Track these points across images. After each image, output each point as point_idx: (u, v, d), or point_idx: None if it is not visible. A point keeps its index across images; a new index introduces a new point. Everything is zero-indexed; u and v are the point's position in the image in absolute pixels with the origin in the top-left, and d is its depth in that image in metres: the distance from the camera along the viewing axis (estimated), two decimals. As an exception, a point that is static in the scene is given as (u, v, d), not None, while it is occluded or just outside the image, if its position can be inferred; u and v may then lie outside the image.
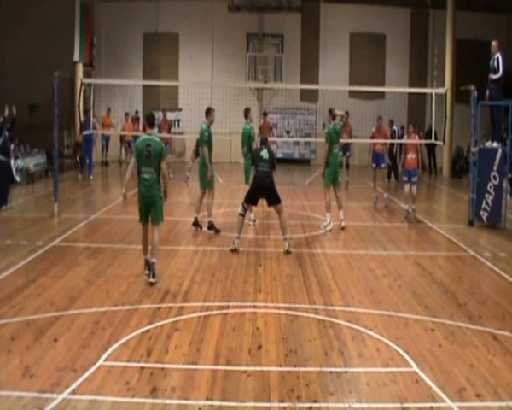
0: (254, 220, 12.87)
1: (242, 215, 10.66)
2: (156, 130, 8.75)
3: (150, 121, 8.86)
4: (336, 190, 12.63)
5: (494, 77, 13.52)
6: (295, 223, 13.08)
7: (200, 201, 12.20)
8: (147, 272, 8.56)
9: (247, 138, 13.10)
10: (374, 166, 16.39)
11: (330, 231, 12.31)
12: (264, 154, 10.73)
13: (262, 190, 10.67)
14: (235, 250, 10.39)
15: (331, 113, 12.72)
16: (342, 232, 12.37)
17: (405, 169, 14.21)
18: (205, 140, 11.96)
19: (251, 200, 10.76)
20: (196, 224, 12.19)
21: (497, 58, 13.44)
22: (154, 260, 8.49)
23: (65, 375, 5.48)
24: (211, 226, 11.97)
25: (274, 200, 10.66)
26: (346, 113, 18.82)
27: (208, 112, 12.24)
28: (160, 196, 8.60)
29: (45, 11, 24.74)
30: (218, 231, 11.90)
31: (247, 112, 13.38)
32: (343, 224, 12.60)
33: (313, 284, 8.62)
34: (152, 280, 8.37)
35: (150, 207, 8.63)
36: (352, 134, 19.49)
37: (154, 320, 6.99)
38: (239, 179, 14.21)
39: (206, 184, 12.01)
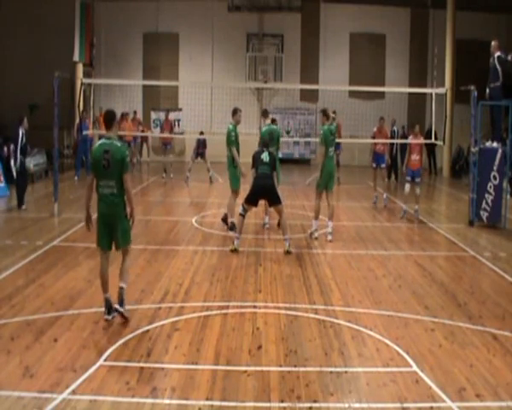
0: (266, 223, 12.56)
1: (242, 216, 10.66)
2: (116, 132, 7.16)
3: (109, 121, 7.02)
4: (329, 198, 11.68)
5: (499, 54, 13.45)
6: (295, 223, 13.07)
7: (233, 203, 11.95)
8: (107, 316, 6.83)
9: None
10: (374, 166, 16.38)
11: (317, 238, 11.49)
12: (265, 157, 10.77)
13: (262, 191, 10.68)
14: (235, 250, 10.39)
15: (325, 113, 11.84)
16: (342, 232, 12.34)
17: (409, 169, 14.14)
18: (232, 140, 11.84)
19: (251, 201, 10.76)
20: (233, 228, 11.66)
21: (498, 57, 13.45)
22: (123, 284, 6.91)
23: (65, 375, 5.48)
24: (232, 227, 11.70)
25: (274, 200, 10.67)
26: (334, 112, 18.88)
27: (234, 112, 12.10)
28: (125, 214, 6.92)
29: (45, 11, 24.77)
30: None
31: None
32: (330, 237, 11.45)
33: (313, 284, 8.62)
34: (120, 309, 6.78)
35: (112, 229, 6.90)
36: (341, 133, 19.54)
37: (154, 320, 6.99)
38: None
39: (236, 184, 11.94)
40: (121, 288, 6.88)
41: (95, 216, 7.00)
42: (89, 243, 10.93)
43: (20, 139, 14.15)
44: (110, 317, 6.83)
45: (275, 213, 11.25)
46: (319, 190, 11.70)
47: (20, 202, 14.27)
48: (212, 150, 20.20)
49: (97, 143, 7.02)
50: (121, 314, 6.81)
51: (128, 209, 6.95)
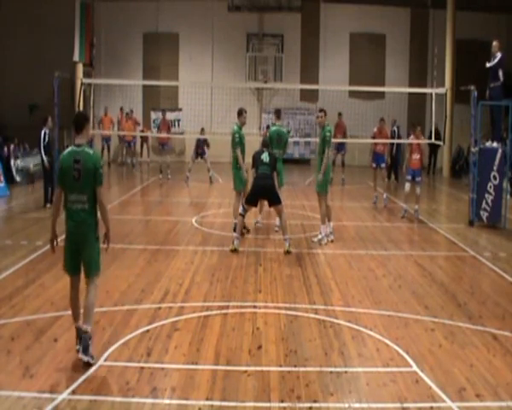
0: (257, 222, 12.55)
1: (242, 216, 10.66)
2: (86, 139, 6.12)
3: (78, 125, 6.03)
4: (328, 199, 11.42)
5: (488, 65, 13.51)
6: (295, 223, 13.08)
7: (237, 204, 11.65)
8: (79, 346, 5.76)
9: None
10: (374, 166, 16.39)
11: (326, 243, 11.18)
12: (265, 157, 10.76)
13: (262, 191, 10.67)
14: (234, 250, 10.39)
15: (326, 113, 11.32)
16: (342, 232, 12.33)
17: (410, 169, 14.17)
18: (236, 141, 11.63)
19: (251, 201, 10.76)
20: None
21: (498, 57, 13.45)
22: (86, 326, 5.78)
23: (65, 375, 5.48)
24: (244, 227, 11.51)
25: (274, 200, 10.66)
26: (339, 114, 19.07)
27: (240, 113, 11.87)
28: (96, 236, 5.97)
29: (45, 11, 24.79)
30: (248, 231, 11.81)
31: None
32: (332, 237, 11.34)
33: (313, 284, 8.62)
34: (84, 358, 5.66)
35: (81, 252, 5.92)
36: (346, 133, 19.60)
37: (154, 320, 6.99)
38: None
39: (240, 186, 11.70)
40: (85, 332, 5.74)
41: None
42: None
43: (42, 138, 14.20)
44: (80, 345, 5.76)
45: (274, 212, 11.24)
46: (323, 193, 11.27)
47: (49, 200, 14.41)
48: (212, 150, 20.19)
49: (66, 150, 6.08)
50: (84, 363, 5.68)
51: (102, 230, 5.97)
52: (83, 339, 5.71)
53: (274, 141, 11.87)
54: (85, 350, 5.67)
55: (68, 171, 5.84)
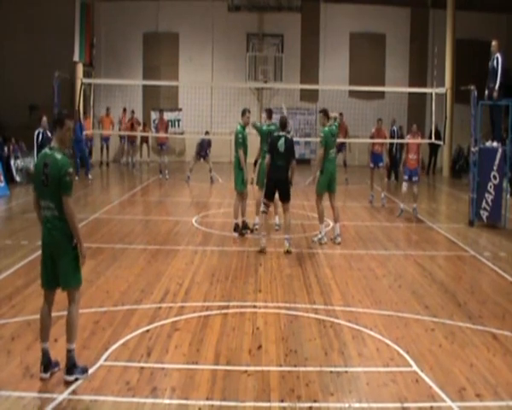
0: (255, 224, 12.28)
1: (265, 213, 10.53)
2: (59, 141, 5.59)
3: (53, 124, 5.71)
4: (333, 200, 11.36)
5: (493, 85, 13.47)
6: (295, 223, 13.04)
7: (238, 204, 11.76)
8: (43, 374, 5.37)
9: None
10: (371, 166, 16.42)
11: (326, 243, 11.18)
12: (281, 145, 10.36)
13: (277, 183, 10.40)
14: (262, 251, 10.25)
15: (326, 113, 11.37)
16: (342, 232, 12.29)
17: (407, 168, 14.28)
18: (240, 142, 11.58)
19: (269, 195, 10.55)
20: (237, 229, 11.68)
21: (497, 58, 13.45)
22: (69, 345, 5.43)
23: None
24: (244, 227, 11.73)
25: (285, 196, 10.46)
26: (340, 114, 19.07)
27: (243, 113, 11.81)
28: (72, 245, 5.45)
29: (45, 11, 24.81)
30: (251, 231, 11.79)
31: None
32: (339, 239, 11.22)
33: (313, 284, 8.62)
34: (68, 378, 5.33)
35: (57, 263, 5.44)
36: (347, 134, 19.62)
37: (154, 320, 6.99)
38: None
39: (241, 186, 11.67)
40: (69, 350, 5.39)
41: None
42: (89, 242, 10.94)
43: (35, 139, 14.18)
44: (47, 375, 5.39)
45: (273, 213, 11.21)
46: (319, 193, 11.30)
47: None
48: (212, 150, 20.17)
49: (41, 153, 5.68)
50: (65, 382, 5.34)
51: (74, 240, 5.47)
52: (68, 358, 5.38)
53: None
54: (71, 370, 5.36)
55: (39, 175, 5.48)
